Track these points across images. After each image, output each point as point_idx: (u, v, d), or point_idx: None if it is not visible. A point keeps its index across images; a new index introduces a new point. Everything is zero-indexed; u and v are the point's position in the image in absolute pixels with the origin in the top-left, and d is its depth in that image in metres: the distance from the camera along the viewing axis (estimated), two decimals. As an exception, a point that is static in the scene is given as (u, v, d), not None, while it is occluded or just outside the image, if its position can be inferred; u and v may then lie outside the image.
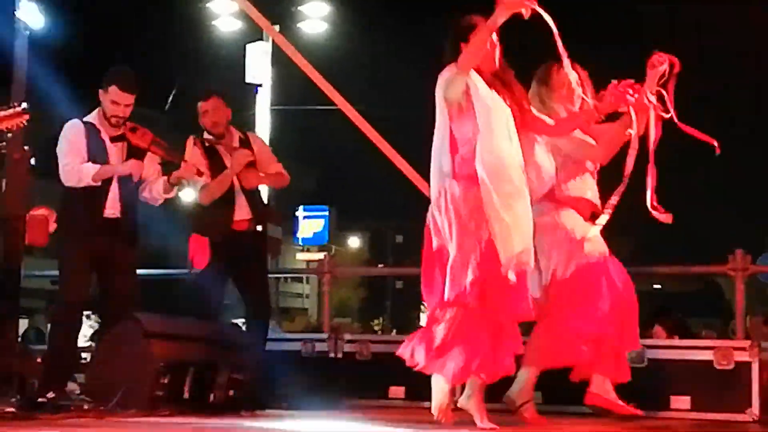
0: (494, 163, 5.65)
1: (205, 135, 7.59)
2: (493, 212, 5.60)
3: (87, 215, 6.99)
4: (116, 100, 7.02)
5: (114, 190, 7.04)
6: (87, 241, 6.96)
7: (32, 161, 7.95)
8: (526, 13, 5.61)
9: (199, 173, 7.28)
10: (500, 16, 5.57)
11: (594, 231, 6.22)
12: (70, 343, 7.05)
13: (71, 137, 7.04)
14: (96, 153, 7.02)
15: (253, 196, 7.63)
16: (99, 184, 6.95)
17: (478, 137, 5.68)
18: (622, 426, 6.07)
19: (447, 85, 5.75)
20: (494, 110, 5.73)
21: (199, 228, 7.53)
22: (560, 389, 6.56)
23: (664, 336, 8.97)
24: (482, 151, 5.66)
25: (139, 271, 7.30)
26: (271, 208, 7.99)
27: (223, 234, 7.45)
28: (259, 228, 7.59)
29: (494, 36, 5.80)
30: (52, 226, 7.94)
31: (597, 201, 6.37)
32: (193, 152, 7.42)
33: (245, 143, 7.69)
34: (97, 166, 6.95)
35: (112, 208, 7.03)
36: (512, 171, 5.69)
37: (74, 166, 6.96)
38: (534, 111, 6.03)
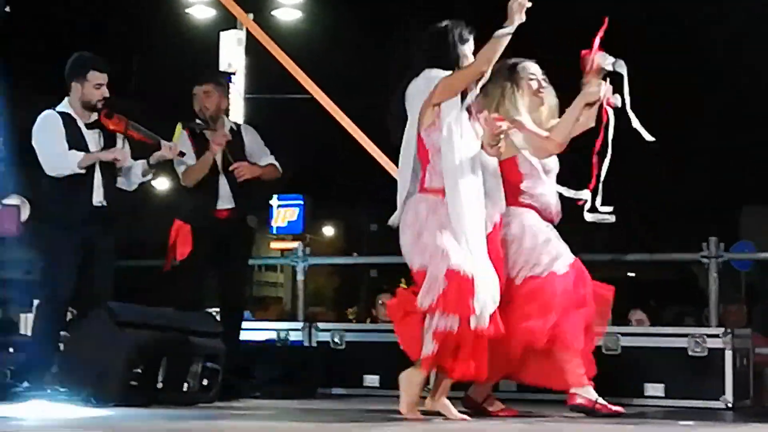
0: (457, 178, 5.63)
1: (196, 120, 7.55)
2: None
3: (78, 204, 6.96)
4: (99, 82, 7.04)
5: (97, 177, 7.02)
6: (77, 230, 6.94)
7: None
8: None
9: (181, 154, 7.25)
10: (515, 22, 5.61)
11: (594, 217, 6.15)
12: (54, 335, 7.02)
13: (49, 127, 7.01)
14: (74, 141, 6.99)
15: (238, 186, 7.54)
16: (84, 171, 6.92)
17: (444, 150, 5.65)
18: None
19: (434, 97, 5.67)
20: (465, 122, 5.73)
21: (182, 214, 7.49)
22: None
23: (648, 322, 9.04)
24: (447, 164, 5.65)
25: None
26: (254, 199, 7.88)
27: (205, 221, 7.41)
28: (250, 221, 7.59)
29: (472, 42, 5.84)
30: (25, 216, 7.89)
31: (557, 202, 6.29)
32: (181, 137, 7.39)
33: (236, 134, 7.66)
34: (82, 154, 6.93)
35: (97, 197, 7.01)
36: (471, 186, 5.69)
37: (59, 153, 6.92)
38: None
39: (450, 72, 5.73)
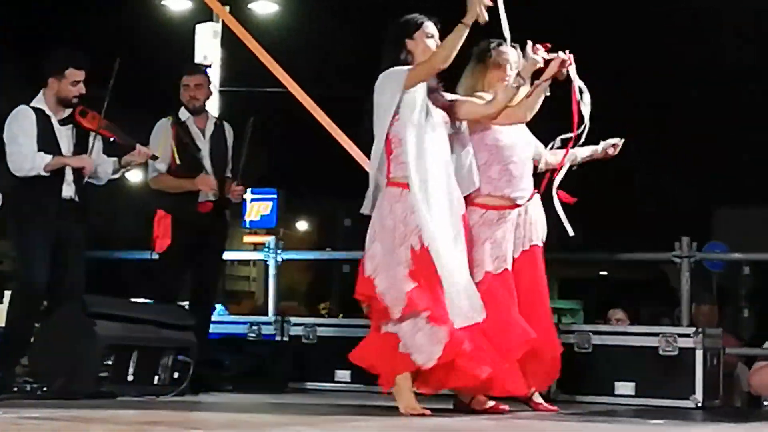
0: (423, 167, 5.65)
1: (180, 111, 7.53)
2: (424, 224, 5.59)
3: (47, 198, 6.91)
4: (76, 79, 6.98)
5: (69, 173, 6.97)
6: (48, 223, 6.88)
7: None
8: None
9: (153, 157, 7.21)
10: (471, 15, 5.63)
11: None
12: (27, 327, 6.96)
13: (21, 123, 6.93)
14: (46, 138, 6.94)
15: (220, 182, 7.56)
16: (48, 174, 6.88)
17: (409, 141, 5.67)
18: (563, 413, 6.10)
19: (406, 82, 5.69)
20: (427, 114, 5.75)
21: (164, 204, 7.46)
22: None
23: (628, 321, 9.09)
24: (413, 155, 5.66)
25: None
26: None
27: (188, 213, 7.39)
28: (226, 212, 7.61)
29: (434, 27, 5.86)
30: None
31: (517, 189, 6.18)
32: (165, 135, 7.36)
33: (219, 129, 7.66)
34: (49, 157, 6.86)
35: (68, 190, 6.97)
36: (438, 174, 5.71)
37: (26, 153, 6.86)
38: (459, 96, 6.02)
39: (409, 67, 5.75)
